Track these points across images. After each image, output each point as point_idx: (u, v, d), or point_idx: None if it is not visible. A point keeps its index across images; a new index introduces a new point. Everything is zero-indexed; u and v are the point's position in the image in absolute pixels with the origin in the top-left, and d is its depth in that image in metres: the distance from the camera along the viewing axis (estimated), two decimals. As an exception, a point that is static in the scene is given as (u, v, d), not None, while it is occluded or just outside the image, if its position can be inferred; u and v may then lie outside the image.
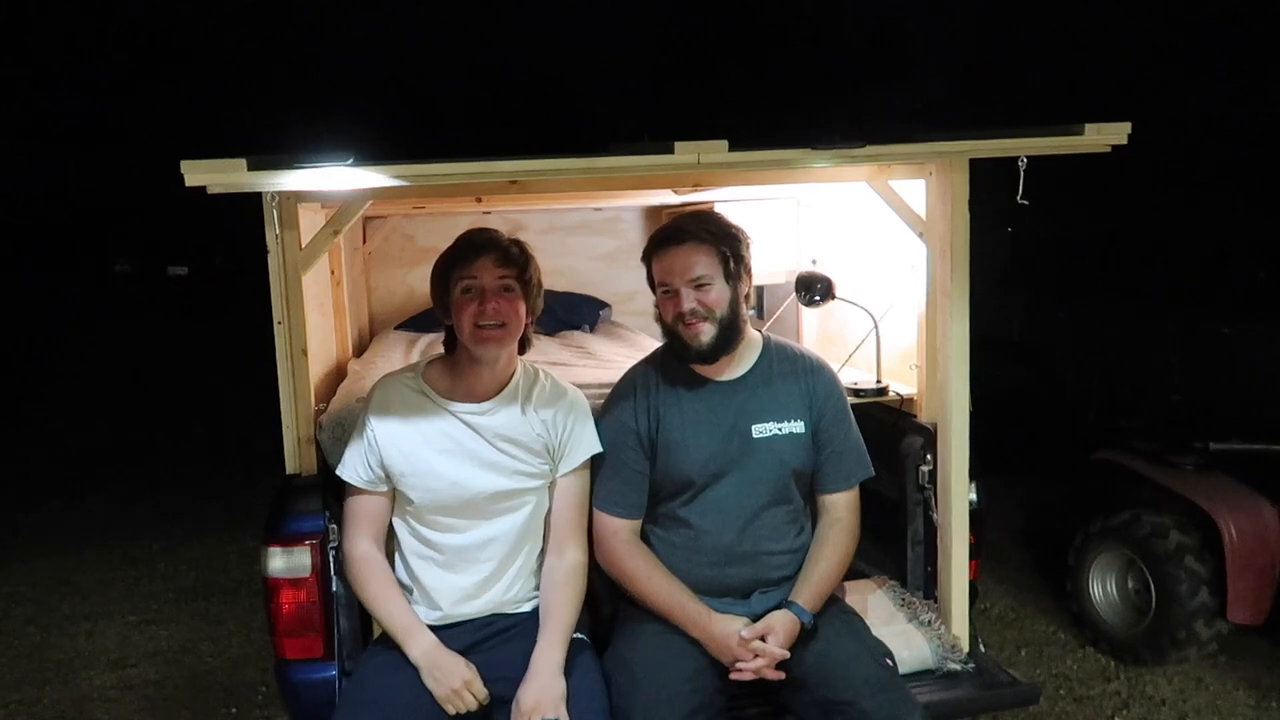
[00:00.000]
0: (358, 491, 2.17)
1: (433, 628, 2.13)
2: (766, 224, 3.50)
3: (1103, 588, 4.00)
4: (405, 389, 2.17)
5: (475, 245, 2.11)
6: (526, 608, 2.21)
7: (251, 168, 1.94)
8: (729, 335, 2.20)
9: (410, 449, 2.12)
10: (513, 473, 2.16)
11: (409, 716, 2.00)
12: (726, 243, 2.19)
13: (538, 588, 2.22)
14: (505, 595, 2.19)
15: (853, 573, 2.53)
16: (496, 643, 2.15)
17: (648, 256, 2.26)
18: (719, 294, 2.17)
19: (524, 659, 2.07)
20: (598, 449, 2.24)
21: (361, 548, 2.15)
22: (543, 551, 2.24)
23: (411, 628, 2.09)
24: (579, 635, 2.19)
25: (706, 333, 2.17)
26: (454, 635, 2.13)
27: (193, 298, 22.99)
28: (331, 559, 2.30)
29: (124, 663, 4.15)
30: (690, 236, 2.18)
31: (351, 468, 2.15)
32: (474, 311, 2.06)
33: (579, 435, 2.22)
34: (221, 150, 1.94)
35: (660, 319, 2.26)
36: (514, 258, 2.12)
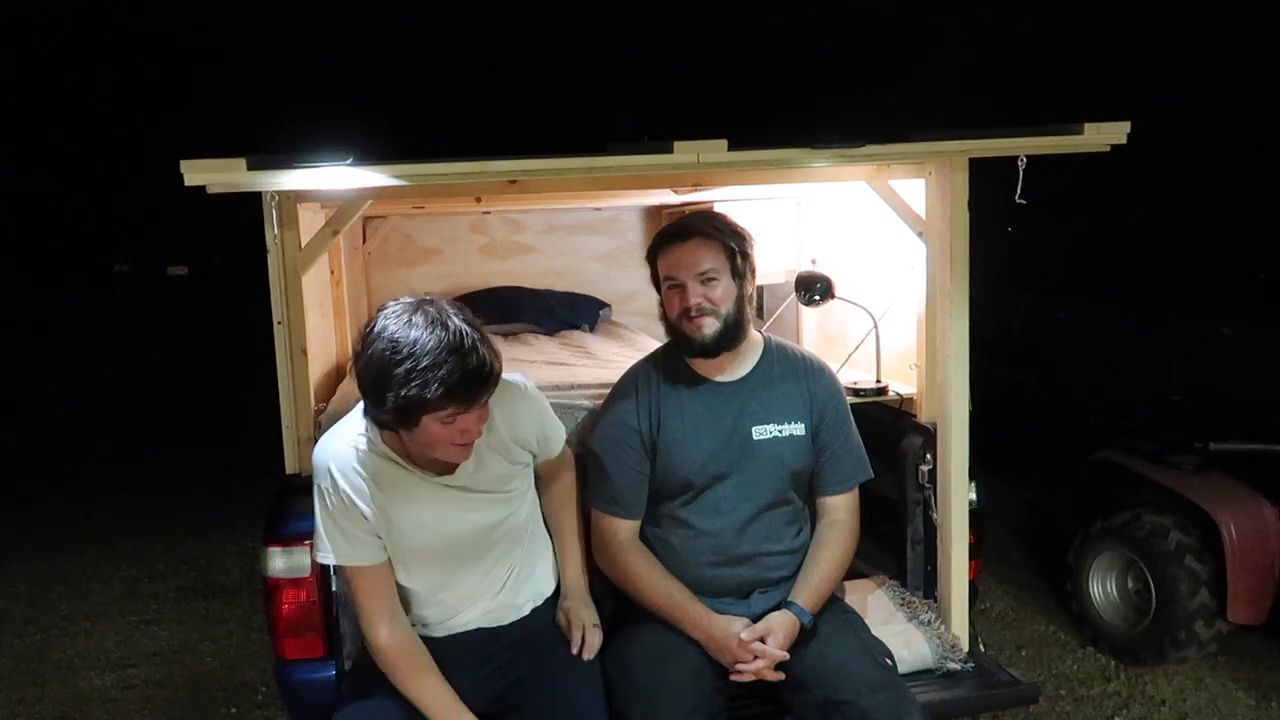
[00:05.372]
0: (356, 570, 1.94)
1: (436, 638, 2.07)
2: (766, 224, 3.50)
3: (1103, 588, 4.00)
4: (367, 454, 1.92)
5: (476, 387, 1.78)
6: (527, 610, 2.16)
7: (251, 167, 1.94)
8: (732, 332, 2.20)
9: (390, 509, 1.93)
10: (502, 502, 2.06)
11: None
12: (733, 240, 2.20)
13: (534, 590, 2.17)
14: (499, 602, 2.11)
15: (852, 572, 2.53)
16: (503, 647, 2.11)
17: (653, 253, 2.26)
18: (725, 290, 2.18)
19: (531, 662, 2.08)
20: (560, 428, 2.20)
21: (384, 634, 1.93)
22: (532, 553, 2.18)
23: (452, 714, 1.93)
24: None
25: (710, 326, 2.17)
26: (456, 642, 2.09)
27: (193, 297, 22.99)
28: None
29: (124, 663, 4.15)
30: (698, 233, 2.19)
31: (339, 551, 1.92)
32: (457, 440, 1.83)
33: (552, 431, 2.16)
34: (221, 150, 1.95)
35: (664, 316, 2.27)
36: (498, 376, 1.84)
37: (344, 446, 1.94)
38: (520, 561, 2.14)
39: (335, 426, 2.02)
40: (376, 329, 1.76)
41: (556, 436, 2.18)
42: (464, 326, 1.76)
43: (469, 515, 2.01)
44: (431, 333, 1.73)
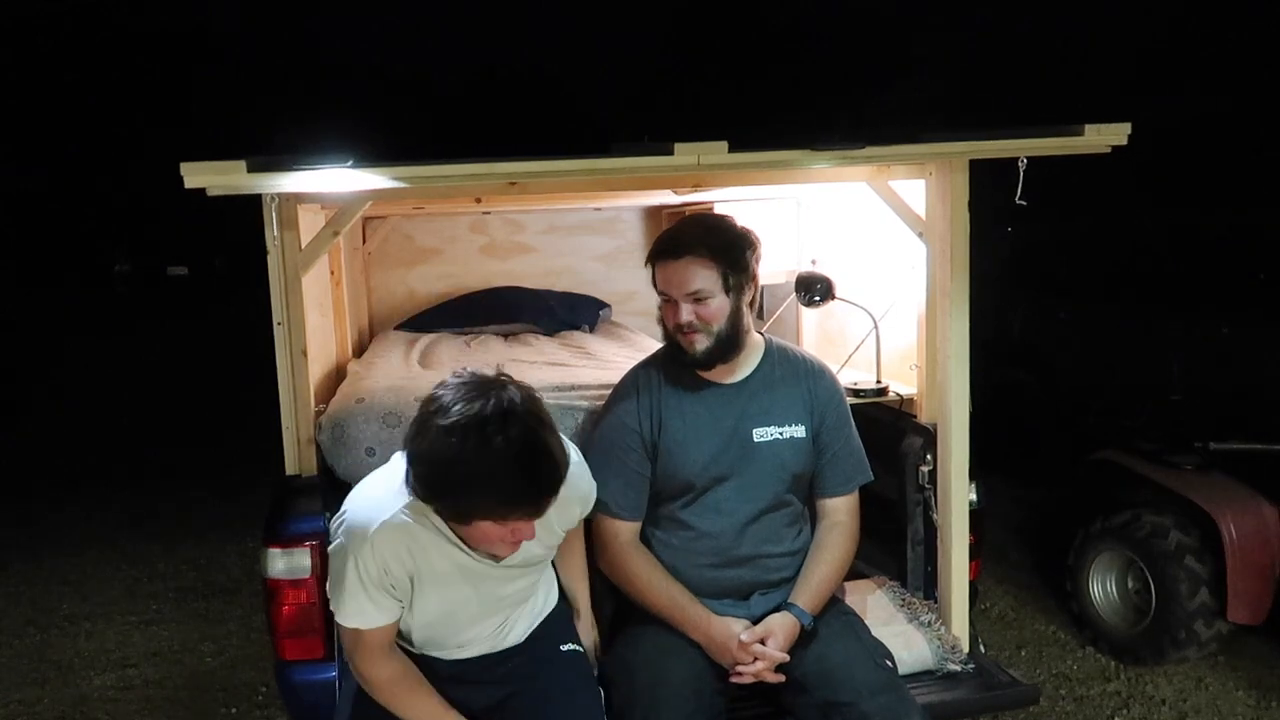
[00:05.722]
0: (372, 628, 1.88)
1: (431, 657, 2.05)
2: (766, 224, 3.49)
3: (1103, 588, 4.00)
4: (413, 528, 1.82)
5: (527, 510, 1.70)
6: (525, 638, 2.13)
7: (251, 170, 1.94)
8: (726, 347, 2.18)
9: (424, 580, 1.87)
10: (530, 574, 2.04)
11: None
12: (727, 255, 2.14)
13: (533, 621, 2.14)
14: (497, 640, 2.07)
15: (852, 573, 2.53)
16: (501, 658, 2.09)
17: (650, 261, 2.25)
18: (717, 307, 2.14)
19: (531, 666, 2.06)
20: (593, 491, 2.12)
21: (386, 670, 1.91)
22: (537, 599, 2.15)
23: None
24: (572, 647, 2.16)
25: (701, 343, 2.16)
26: (460, 666, 2.05)
27: (193, 297, 22.99)
28: (332, 560, 2.29)
29: (124, 663, 4.15)
30: (689, 250, 2.13)
31: (365, 617, 1.84)
32: (508, 540, 1.77)
33: (592, 500, 2.12)
34: (222, 150, 1.95)
35: (662, 322, 2.26)
36: (557, 493, 1.74)
37: (389, 516, 1.79)
38: (525, 611, 2.11)
39: (372, 487, 1.88)
40: (439, 417, 1.64)
41: (593, 501, 2.12)
42: (535, 427, 1.66)
43: (499, 588, 1.98)
44: (502, 434, 1.62)
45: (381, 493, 1.84)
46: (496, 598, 2.01)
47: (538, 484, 1.67)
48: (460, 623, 2.00)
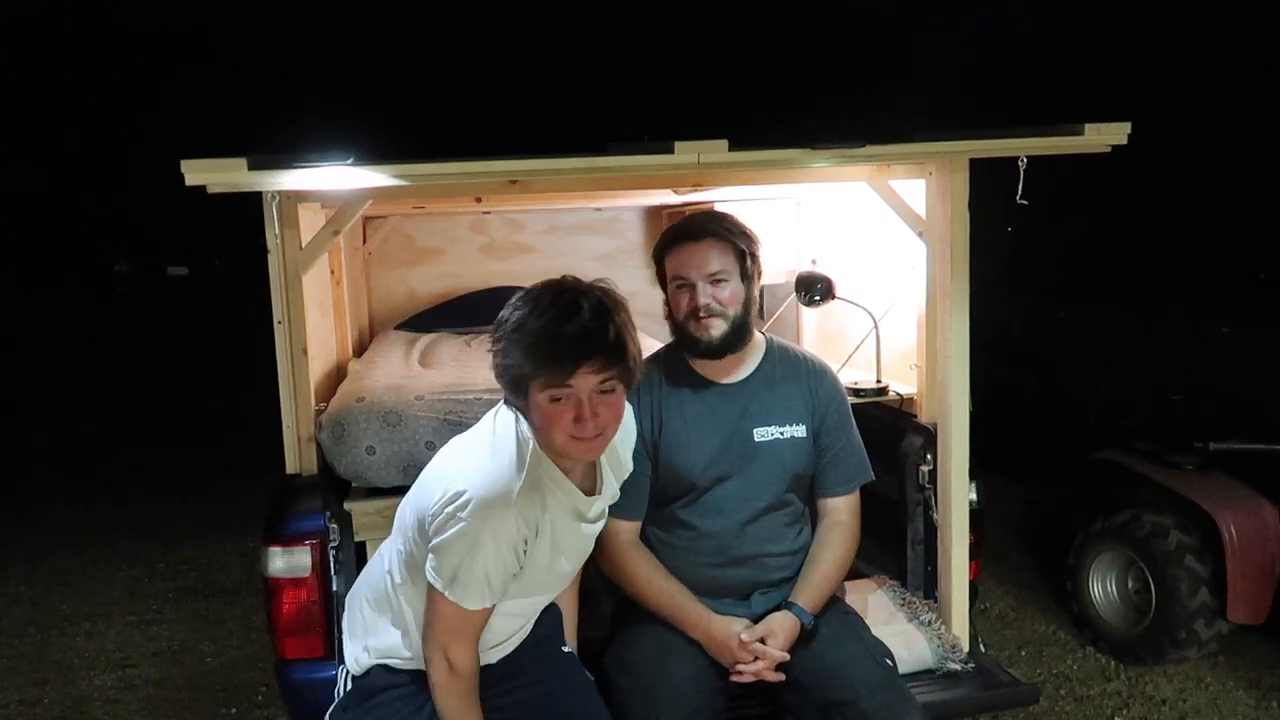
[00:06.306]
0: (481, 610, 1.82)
1: None
2: (766, 224, 3.49)
3: (1103, 588, 4.00)
4: (541, 482, 1.80)
5: (569, 352, 1.67)
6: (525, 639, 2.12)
7: (251, 167, 1.94)
8: (739, 334, 2.20)
9: (535, 555, 1.84)
10: (600, 524, 2.03)
11: None
12: (743, 242, 2.19)
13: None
14: (516, 638, 2.07)
15: (853, 572, 2.53)
16: (507, 659, 2.09)
17: (660, 252, 2.25)
18: (734, 291, 2.17)
19: (533, 665, 2.06)
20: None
21: (473, 658, 1.86)
22: None
23: None
24: (571, 649, 2.16)
25: (718, 328, 2.16)
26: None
27: (193, 297, 22.98)
28: (332, 559, 2.30)
29: (124, 663, 4.15)
30: (709, 233, 2.18)
31: (485, 598, 1.77)
32: (570, 424, 1.72)
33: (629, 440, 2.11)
34: (222, 149, 1.95)
35: (670, 316, 2.26)
36: (616, 351, 1.71)
37: (524, 481, 1.75)
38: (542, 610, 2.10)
39: (480, 461, 1.80)
40: (557, 308, 1.70)
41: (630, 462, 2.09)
42: (584, 295, 1.72)
43: (585, 540, 1.96)
44: (554, 297, 1.71)
45: (498, 464, 1.78)
46: (579, 550, 1.97)
47: (589, 332, 1.69)
48: (544, 585, 1.96)
